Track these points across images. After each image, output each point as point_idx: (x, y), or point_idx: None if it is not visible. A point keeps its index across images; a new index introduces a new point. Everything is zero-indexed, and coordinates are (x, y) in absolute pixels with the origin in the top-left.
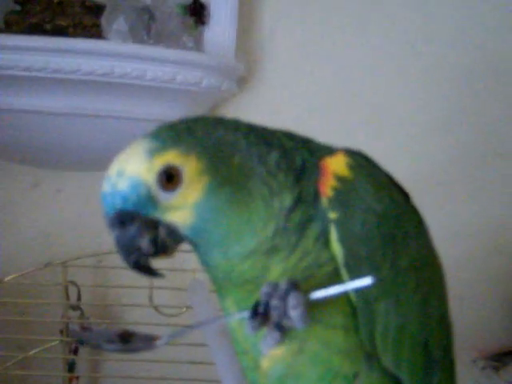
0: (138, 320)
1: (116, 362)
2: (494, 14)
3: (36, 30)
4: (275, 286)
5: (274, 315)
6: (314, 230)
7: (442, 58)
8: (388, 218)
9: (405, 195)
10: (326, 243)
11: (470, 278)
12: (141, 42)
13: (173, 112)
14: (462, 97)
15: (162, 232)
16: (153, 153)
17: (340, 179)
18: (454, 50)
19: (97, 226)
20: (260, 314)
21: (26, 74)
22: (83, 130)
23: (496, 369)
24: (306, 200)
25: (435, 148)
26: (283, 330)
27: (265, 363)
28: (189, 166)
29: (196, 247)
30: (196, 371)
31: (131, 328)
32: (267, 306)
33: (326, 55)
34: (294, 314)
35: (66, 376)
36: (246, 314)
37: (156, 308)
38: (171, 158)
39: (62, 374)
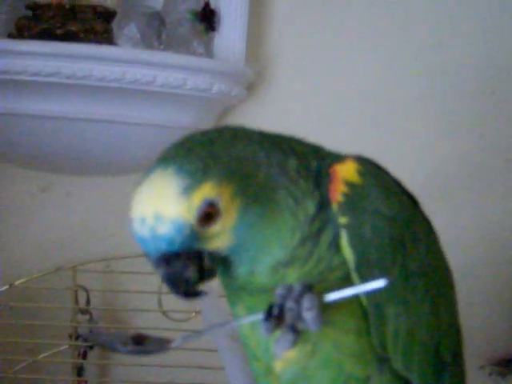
0: (147, 325)
1: (125, 367)
2: (502, 18)
3: (47, 35)
4: (290, 288)
5: (289, 317)
6: (326, 236)
7: (451, 62)
8: (397, 223)
9: (414, 201)
10: (338, 248)
11: (477, 283)
12: (151, 47)
13: (182, 118)
14: (466, 103)
15: (205, 260)
16: (188, 191)
17: (350, 185)
18: (463, 54)
19: (107, 230)
20: (274, 316)
21: (38, 79)
22: (94, 135)
23: (503, 375)
24: (322, 206)
25: (444, 153)
26: (297, 332)
27: (278, 366)
28: (223, 195)
29: (226, 264)
30: (205, 376)
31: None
32: (282, 308)
33: (336, 62)
34: (309, 315)
35: (75, 380)
36: (261, 316)
37: (165, 313)
38: (207, 192)
39: (70, 378)
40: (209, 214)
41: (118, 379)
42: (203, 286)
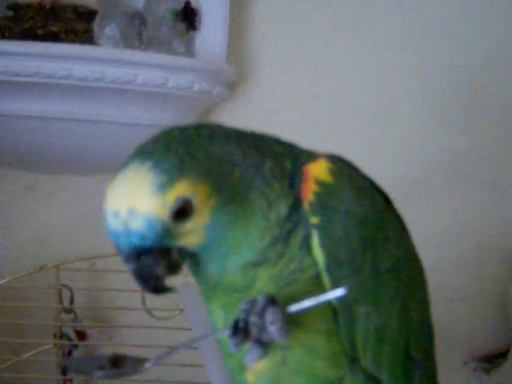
0: (131, 323)
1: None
2: (497, 15)
3: (28, 35)
4: (253, 303)
5: (254, 331)
6: (298, 236)
7: (438, 58)
8: (368, 222)
9: (386, 199)
10: (309, 248)
11: (460, 280)
12: (132, 47)
13: (164, 116)
14: (452, 99)
15: (174, 255)
16: (163, 187)
17: (321, 184)
18: (452, 50)
19: (90, 229)
20: (240, 331)
21: (18, 79)
22: (75, 134)
23: (487, 370)
24: (296, 206)
25: (431, 150)
26: (265, 344)
27: (250, 377)
28: (198, 193)
29: (195, 261)
30: (189, 373)
31: (121, 351)
32: (246, 322)
33: (318, 60)
34: (273, 328)
35: (60, 379)
36: (228, 331)
37: (149, 311)
38: (182, 189)
39: (55, 376)
40: (183, 212)
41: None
42: (170, 282)
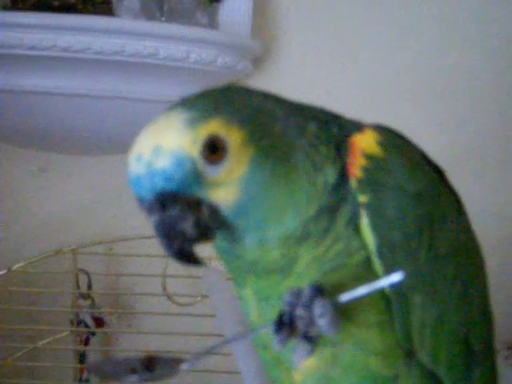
0: (151, 309)
1: (127, 353)
2: None
3: (43, 7)
4: (298, 294)
5: (301, 326)
6: (344, 213)
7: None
8: (424, 199)
9: (440, 173)
10: (357, 229)
11: (491, 268)
12: (153, 19)
13: (185, 92)
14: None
15: (204, 213)
16: (195, 122)
17: (370, 158)
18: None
19: (108, 211)
20: (286, 326)
21: (33, 52)
22: (93, 111)
23: None
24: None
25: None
26: (313, 340)
27: (298, 377)
28: (233, 136)
29: (229, 232)
30: (215, 362)
31: (154, 352)
32: (292, 316)
33: (345, 34)
34: (322, 322)
35: (77, 367)
36: (271, 326)
37: (170, 297)
38: (215, 127)
39: (72, 365)
40: (215, 152)
41: None
42: (200, 252)
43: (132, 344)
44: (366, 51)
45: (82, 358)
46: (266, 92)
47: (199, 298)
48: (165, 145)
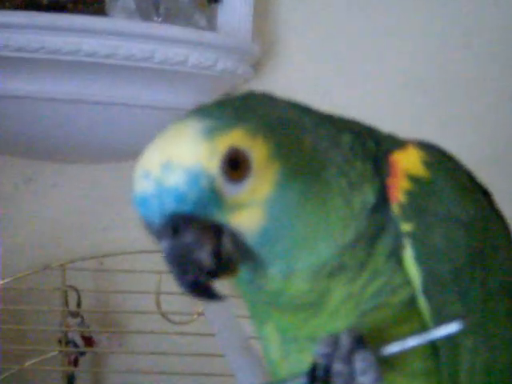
0: (144, 328)
1: (119, 375)
2: None
3: (31, 5)
4: (335, 343)
5: (339, 382)
6: (384, 243)
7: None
8: (475, 228)
9: (487, 196)
10: (400, 262)
11: None
12: (148, 19)
13: (183, 98)
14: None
15: (226, 241)
16: (212, 133)
17: (414, 180)
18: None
19: (98, 224)
20: (319, 380)
21: (19, 54)
22: (83, 118)
23: None
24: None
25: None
26: None
27: None
28: (258, 149)
29: (251, 262)
30: (203, 382)
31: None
32: (327, 370)
33: (345, 38)
34: (365, 380)
35: None
36: (302, 380)
37: (164, 315)
38: (237, 138)
39: None
40: (236, 167)
41: None
42: (218, 286)
43: (124, 365)
44: (368, 56)
45: (70, 379)
46: (290, 100)
47: (195, 316)
48: (177, 159)
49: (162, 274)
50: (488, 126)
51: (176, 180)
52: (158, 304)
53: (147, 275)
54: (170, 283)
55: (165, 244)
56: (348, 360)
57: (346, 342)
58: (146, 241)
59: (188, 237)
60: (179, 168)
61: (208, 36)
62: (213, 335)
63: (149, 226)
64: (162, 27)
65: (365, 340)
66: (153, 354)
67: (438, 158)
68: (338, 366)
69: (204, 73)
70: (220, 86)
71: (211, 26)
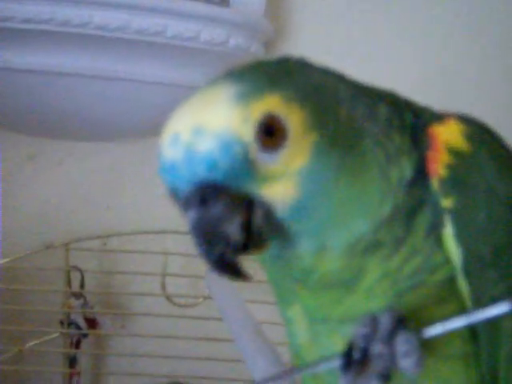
0: (148, 311)
1: (121, 357)
2: None
3: None
4: (374, 323)
5: (378, 366)
6: (423, 220)
7: None
8: None
9: None
10: (439, 240)
11: None
12: None
13: (194, 75)
14: None
15: (257, 214)
16: (247, 97)
17: (455, 153)
18: None
19: (103, 203)
20: (356, 363)
21: (27, 26)
22: (90, 93)
23: None
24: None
25: None
26: (385, 378)
27: None
28: (295, 117)
29: (281, 237)
30: (207, 367)
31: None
32: (365, 351)
33: (359, 16)
34: (407, 363)
35: (67, 372)
36: (337, 362)
37: (169, 297)
38: (273, 104)
39: (61, 369)
40: (272, 135)
41: (114, 371)
42: (245, 263)
43: (127, 348)
44: (382, 33)
45: (72, 361)
46: (326, 67)
47: (201, 300)
48: (209, 124)
49: (168, 256)
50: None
51: (207, 146)
52: (163, 286)
53: (152, 256)
54: (176, 265)
55: (192, 214)
56: (389, 342)
57: (386, 322)
58: (151, 221)
59: (217, 208)
60: (211, 134)
61: (220, 12)
62: (219, 319)
63: (175, 194)
64: (174, 1)
65: (405, 320)
66: (157, 336)
67: (480, 131)
68: (377, 348)
69: (216, 49)
70: (231, 64)
71: (224, 1)
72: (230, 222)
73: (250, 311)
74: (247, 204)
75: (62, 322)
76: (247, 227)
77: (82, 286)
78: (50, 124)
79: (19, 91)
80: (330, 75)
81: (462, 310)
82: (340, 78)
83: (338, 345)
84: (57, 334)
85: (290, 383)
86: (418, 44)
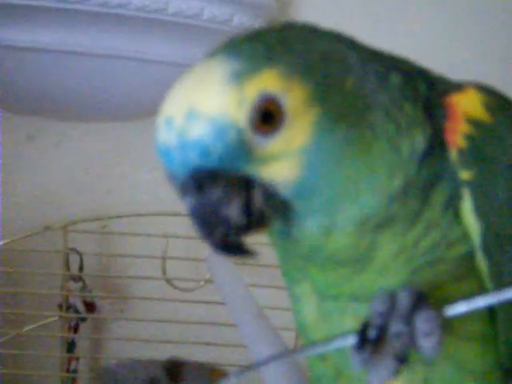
0: (148, 294)
1: (121, 342)
2: None
3: None
4: (392, 299)
5: (397, 346)
6: (440, 193)
7: None
8: None
9: None
10: (457, 214)
11: None
12: None
13: (195, 54)
14: None
15: (256, 195)
16: (241, 76)
17: (475, 123)
18: None
19: (102, 185)
20: (372, 342)
21: (26, 2)
22: (89, 72)
23: None
24: (434, 150)
25: None
26: (402, 358)
27: None
28: (292, 94)
29: (286, 216)
30: (208, 352)
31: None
32: (382, 329)
33: (370, 6)
34: (427, 343)
35: (65, 357)
36: (351, 340)
37: (169, 281)
38: (268, 82)
39: (59, 354)
40: (268, 116)
41: (113, 356)
42: (249, 242)
43: (126, 332)
44: (391, 18)
45: (70, 346)
46: (336, 32)
47: (202, 283)
48: (201, 107)
49: (168, 238)
50: None
51: (200, 132)
52: (164, 269)
53: (152, 239)
54: (177, 248)
55: (189, 200)
56: (408, 320)
57: (406, 299)
58: (151, 203)
59: (214, 193)
60: (204, 118)
61: None
62: (220, 303)
63: (172, 178)
64: None
65: (426, 297)
66: (157, 321)
67: (500, 101)
68: (396, 327)
69: (219, 27)
70: None
71: None
72: (228, 205)
73: (252, 295)
74: (246, 185)
75: (60, 306)
76: (247, 208)
77: (80, 268)
78: (50, 104)
79: (18, 70)
80: (341, 41)
81: (480, 288)
82: (351, 44)
83: (349, 323)
84: (55, 318)
85: (292, 363)
86: (428, 32)
